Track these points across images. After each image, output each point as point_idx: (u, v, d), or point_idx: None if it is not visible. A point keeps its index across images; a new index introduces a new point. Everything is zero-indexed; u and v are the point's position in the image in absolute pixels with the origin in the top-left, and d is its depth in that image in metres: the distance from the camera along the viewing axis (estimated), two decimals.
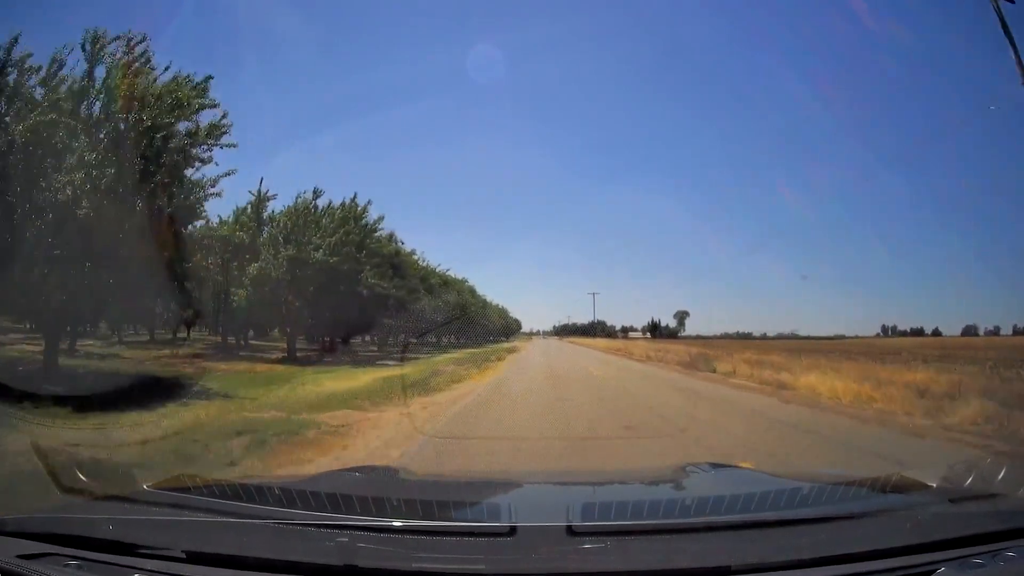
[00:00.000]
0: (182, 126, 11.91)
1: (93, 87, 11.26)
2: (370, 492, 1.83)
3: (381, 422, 8.66)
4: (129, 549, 1.35)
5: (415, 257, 35.48)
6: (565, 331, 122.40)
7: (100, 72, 11.34)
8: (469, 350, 36.36)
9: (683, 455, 6.01)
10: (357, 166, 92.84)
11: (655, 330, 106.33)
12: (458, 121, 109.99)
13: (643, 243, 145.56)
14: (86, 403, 8.31)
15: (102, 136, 10.89)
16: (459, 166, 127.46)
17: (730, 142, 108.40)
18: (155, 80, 11.74)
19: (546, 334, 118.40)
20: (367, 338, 36.41)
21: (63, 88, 10.93)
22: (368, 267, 24.16)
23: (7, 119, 10.19)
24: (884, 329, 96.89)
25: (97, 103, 11.28)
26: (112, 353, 22.18)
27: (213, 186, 13.20)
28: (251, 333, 31.59)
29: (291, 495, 1.80)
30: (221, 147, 12.56)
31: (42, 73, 10.81)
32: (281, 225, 22.42)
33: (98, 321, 21.69)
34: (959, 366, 16.88)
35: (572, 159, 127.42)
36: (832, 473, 2.94)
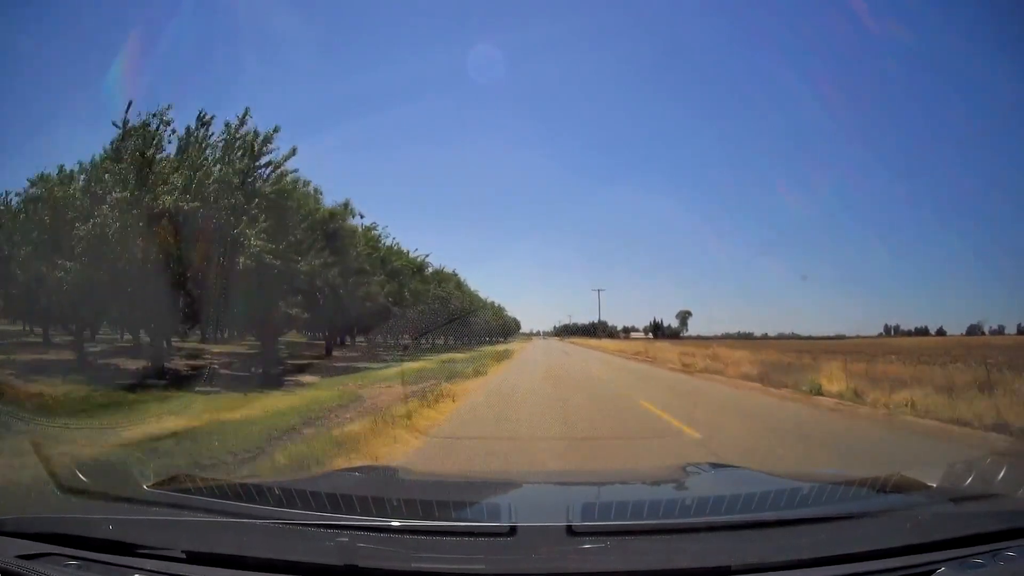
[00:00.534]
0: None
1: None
2: (370, 492, 1.83)
3: None
4: (129, 549, 1.35)
5: (374, 232, 28.54)
6: (565, 331, 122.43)
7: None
8: (449, 355, 29.41)
9: None
10: (357, 166, 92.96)
11: (657, 330, 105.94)
12: (458, 121, 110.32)
13: (643, 243, 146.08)
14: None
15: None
16: (460, 166, 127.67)
17: (731, 143, 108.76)
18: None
19: (546, 334, 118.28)
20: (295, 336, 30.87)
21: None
22: (259, 221, 14.69)
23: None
24: (887, 329, 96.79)
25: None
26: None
27: None
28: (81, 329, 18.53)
29: (291, 495, 1.80)
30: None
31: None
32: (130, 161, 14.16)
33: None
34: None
35: (573, 159, 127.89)
36: (832, 473, 2.94)
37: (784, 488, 2.03)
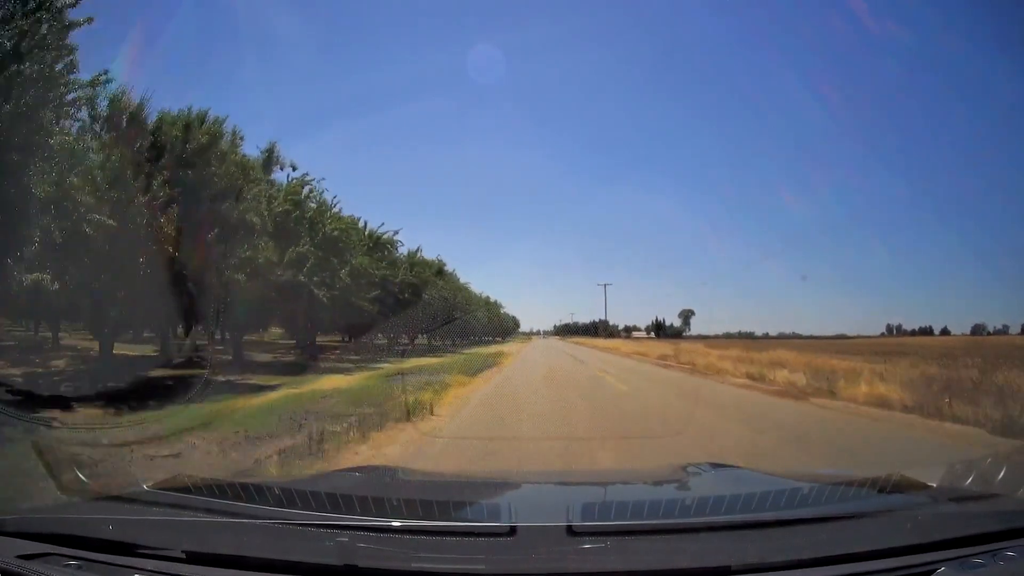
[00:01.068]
0: None
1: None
2: (370, 492, 1.83)
3: None
4: (129, 549, 1.35)
5: (299, 185, 19.65)
6: (566, 331, 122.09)
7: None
8: (416, 362, 22.40)
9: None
10: (356, 166, 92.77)
11: (659, 330, 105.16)
12: (458, 121, 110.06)
13: (644, 242, 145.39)
14: None
15: None
16: (461, 167, 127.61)
17: (733, 142, 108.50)
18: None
19: (546, 334, 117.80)
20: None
21: None
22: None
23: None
24: (889, 328, 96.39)
25: None
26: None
27: None
28: None
29: (291, 495, 1.80)
30: None
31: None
32: None
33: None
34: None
35: (574, 159, 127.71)
36: (832, 473, 2.94)
37: (784, 488, 2.03)
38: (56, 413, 8.91)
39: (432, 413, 9.18)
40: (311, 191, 20.79)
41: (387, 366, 20.16)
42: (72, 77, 10.21)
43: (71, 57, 9.54)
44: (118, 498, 1.76)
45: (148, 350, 20.31)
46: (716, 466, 2.79)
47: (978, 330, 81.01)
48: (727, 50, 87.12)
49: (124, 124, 13.03)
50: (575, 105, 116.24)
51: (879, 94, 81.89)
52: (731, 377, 18.17)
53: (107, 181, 11.40)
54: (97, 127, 12.42)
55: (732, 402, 12.08)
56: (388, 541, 1.39)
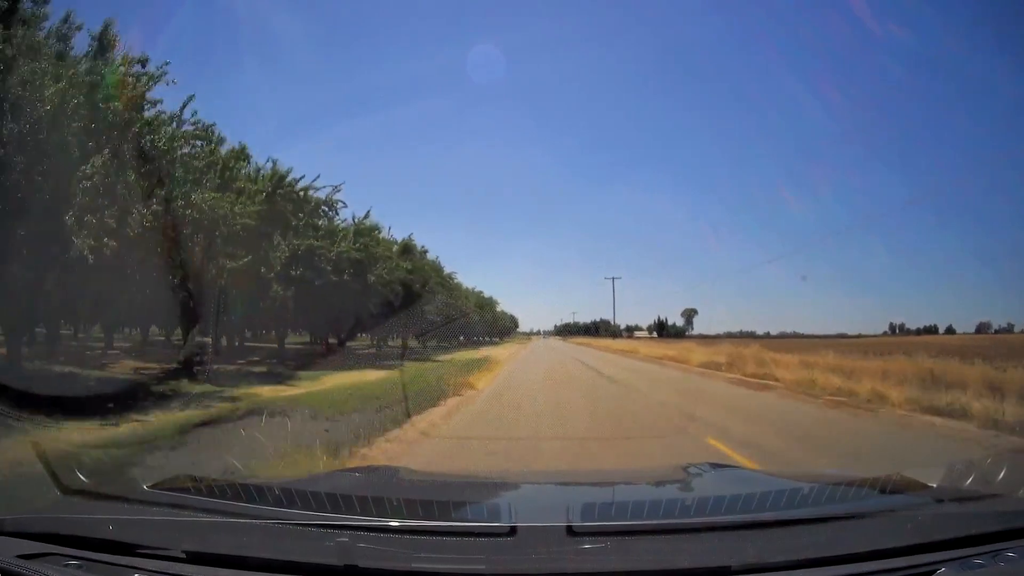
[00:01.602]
0: None
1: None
2: (370, 492, 1.83)
3: None
4: (129, 549, 1.35)
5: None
6: (567, 331, 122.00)
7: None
8: (358, 376, 16.41)
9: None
10: (356, 165, 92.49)
11: (661, 329, 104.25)
12: (458, 120, 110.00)
13: (645, 242, 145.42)
14: None
15: None
16: (460, 167, 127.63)
17: (736, 142, 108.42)
18: None
19: (546, 334, 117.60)
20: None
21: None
22: None
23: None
24: (891, 327, 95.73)
25: None
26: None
27: None
28: None
29: (291, 495, 1.80)
30: None
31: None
32: None
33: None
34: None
35: (575, 159, 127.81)
36: (832, 473, 2.94)
37: (784, 488, 2.03)
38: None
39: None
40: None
41: (290, 386, 13.71)
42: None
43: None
44: (118, 498, 1.75)
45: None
46: (716, 466, 2.80)
47: (983, 328, 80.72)
48: (728, 51, 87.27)
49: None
50: (576, 104, 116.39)
51: (881, 94, 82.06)
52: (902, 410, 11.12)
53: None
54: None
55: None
56: (388, 541, 1.39)
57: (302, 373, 17.31)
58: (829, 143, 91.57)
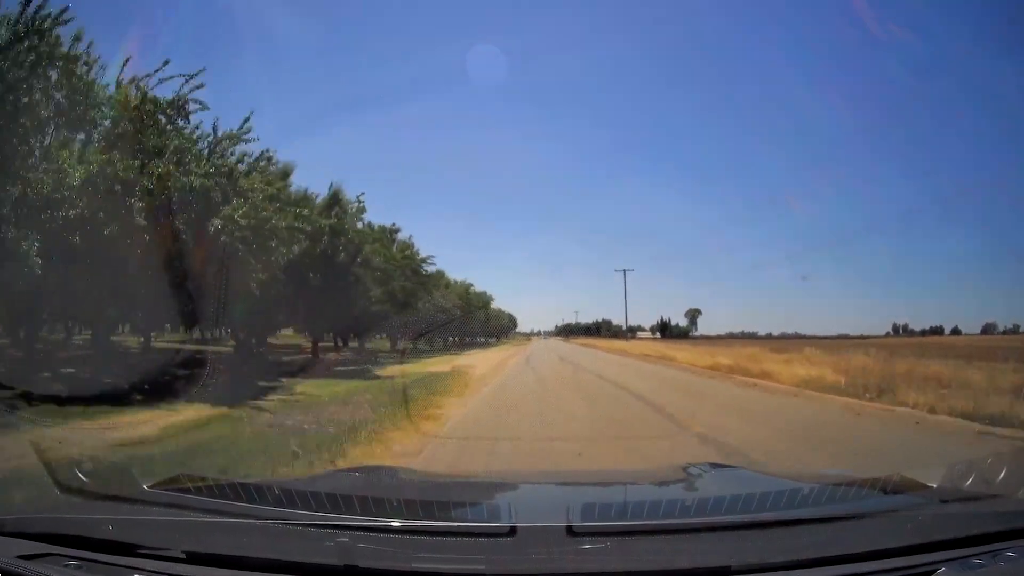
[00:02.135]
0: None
1: None
2: (370, 492, 1.83)
3: None
4: (129, 549, 1.35)
5: None
6: (567, 331, 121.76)
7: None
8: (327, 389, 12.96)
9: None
10: (354, 164, 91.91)
11: (664, 330, 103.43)
12: (458, 119, 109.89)
13: (647, 242, 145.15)
14: None
15: None
16: (460, 167, 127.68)
17: (741, 142, 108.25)
18: None
19: (547, 334, 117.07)
20: None
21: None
22: None
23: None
24: (895, 328, 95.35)
25: None
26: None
27: None
28: None
29: (291, 495, 1.80)
30: None
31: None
32: None
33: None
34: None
35: (575, 160, 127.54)
36: (832, 473, 2.95)
37: (784, 488, 2.03)
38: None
39: None
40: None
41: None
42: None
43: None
44: (118, 498, 1.76)
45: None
46: (716, 466, 2.80)
47: (988, 329, 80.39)
48: (732, 52, 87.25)
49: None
50: (581, 103, 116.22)
51: (886, 95, 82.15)
52: None
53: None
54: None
55: None
56: (388, 541, 1.39)
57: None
58: (835, 144, 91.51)
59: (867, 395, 12.30)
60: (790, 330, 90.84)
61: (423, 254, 30.80)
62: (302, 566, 1.28)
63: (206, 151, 13.37)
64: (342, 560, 1.25)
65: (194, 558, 1.31)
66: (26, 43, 9.76)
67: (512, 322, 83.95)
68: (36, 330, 14.53)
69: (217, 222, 12.40)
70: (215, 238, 12.53)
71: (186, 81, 12.43)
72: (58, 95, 10.95)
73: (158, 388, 11.64)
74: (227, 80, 49.51)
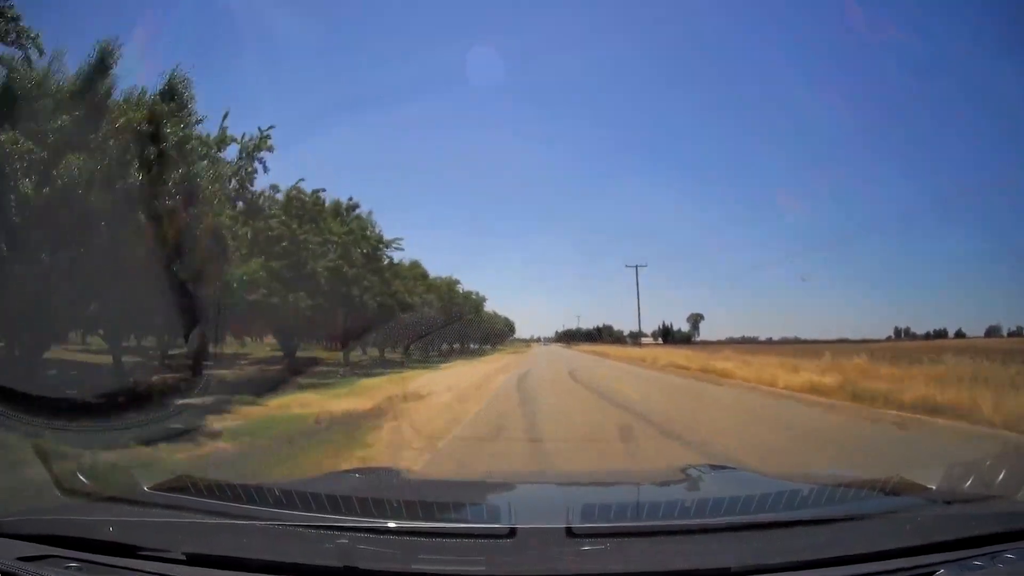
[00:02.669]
0: None
1: None
2: (370, 494, 1.83)
3: None
4: (130, 551, 1.35)
5: None
6: (568, 336, 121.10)
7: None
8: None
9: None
10: (352, 163, 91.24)
11: (666, 335, 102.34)
12: (457, 119, 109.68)
13: (650, 246, 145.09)
14: None
15: None
16: (459, 166, 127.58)
17: (742, 145, 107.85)
18: None
19: (547, 340, 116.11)
20: None
21: None
22: None
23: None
24: (897, 332, 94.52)
25: None
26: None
27: None
28: None
29: (291, 497, 1.81)
30: None
31: None
32: None
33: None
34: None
35: (575, 163, 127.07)
36: (832, 475, 2.95)
37: (784, 490, 2.03)
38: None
39: None
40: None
41: None
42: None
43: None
44: (118, 499, 1.76)
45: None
46: (715, 467, 2.80)
47: (992, 332, 79.77)
48: (730, 51, 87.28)
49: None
50: (581, 105, 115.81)
51: (886, 95, 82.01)
52: None
53: None
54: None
55: None
56: (388, 543, 1.39)
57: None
58: (834, 144, 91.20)
59: None
60: (790, 334, 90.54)
61: (389, 237, 23.68)
62: (302, 567, 1.28)
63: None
64: (342, 561, 1.25)
65: (195, 559, 1.31)
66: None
67: (509, 327, 77.00)
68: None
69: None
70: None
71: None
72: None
73: None
74: (227, 80, 49.34)
